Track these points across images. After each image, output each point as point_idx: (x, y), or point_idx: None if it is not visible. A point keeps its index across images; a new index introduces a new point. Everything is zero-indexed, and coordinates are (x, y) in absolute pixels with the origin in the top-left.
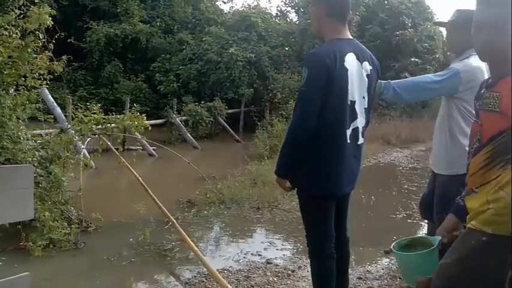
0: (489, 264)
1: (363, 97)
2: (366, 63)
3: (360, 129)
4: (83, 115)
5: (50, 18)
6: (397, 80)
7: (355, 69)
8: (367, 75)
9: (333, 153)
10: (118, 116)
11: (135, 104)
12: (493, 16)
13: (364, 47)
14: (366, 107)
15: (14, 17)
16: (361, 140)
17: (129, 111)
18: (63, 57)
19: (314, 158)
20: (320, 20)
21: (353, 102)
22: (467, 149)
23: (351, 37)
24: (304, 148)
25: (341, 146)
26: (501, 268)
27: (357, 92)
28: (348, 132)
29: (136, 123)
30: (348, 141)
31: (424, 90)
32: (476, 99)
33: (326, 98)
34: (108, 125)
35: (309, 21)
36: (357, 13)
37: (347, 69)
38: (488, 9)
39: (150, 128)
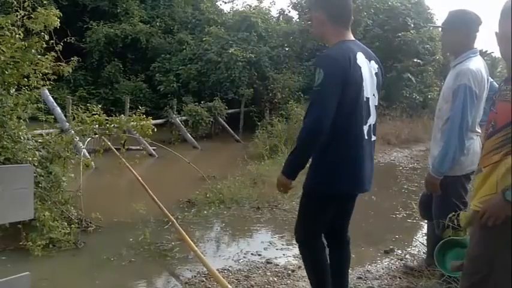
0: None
1: (373, 95)
2: (373, 62)
3: (372, 127)
4: (86, 116)
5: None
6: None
7: (366, 67)
8: (376, 73)
9: (353, 151)
10: (122, 117)
11: (139, 106)
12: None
13: (366, 47)
14: (376, 104)
15: (18, 17)
16: (373, 137)
17: (134, 112)
18: (73, 58)
19: (335, 157)
20: (323, 25)
21: (368, 99)
22: (465, 151)
23: (354, 38)
24: (316, 149)
25: (360, 143)
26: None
27: (369, 89)
28: (365, 128)
29: (142, 123)
30: (366, 138)
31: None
32: (495, 92)
33: (343, 98)
34: (111, 125)
35: (309, 22)
36: (365, 14)
37: (360, 67)
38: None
39: (155, 129)
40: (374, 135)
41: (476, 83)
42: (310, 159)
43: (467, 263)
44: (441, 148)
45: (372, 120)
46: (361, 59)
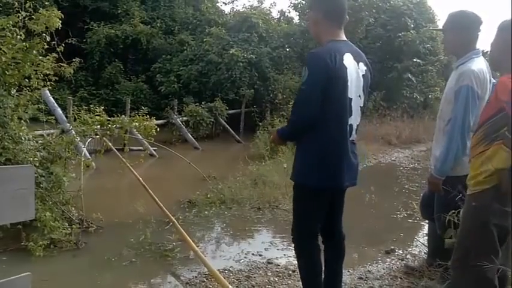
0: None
1: (359, 96)
2: (361, 64)
3: (354, 127)
4: (88, 117)
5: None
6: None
7: (353, 68)
8: (363, 75)
9: (335, 149)
10: (124, 117)
11: (141, 107)
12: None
13: (358, 49)
14: (361, 105)
15: (20, 18)
16: (353, 137)
17: (137, 113)
18: (74, 59)
19: (316, 153)
20: (317, 23)
21: (350, 100)
22: (467, 152)
23: (346, 39)
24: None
25: (342, 141)
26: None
27: (354, 90)
28: (348, 128)
29: (145, 123)
30: (349, 138)
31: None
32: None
33: (328, 95)
34: (113, 125)
35: (308, 22)
36: (367, 13)
37: (346, 68)
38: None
39: (158, 129)
40: (356, 134)
41: (479, 84)
42: (295, 151)
43: None
44: (443, 149)
45: (353, 120)
46: (348, 59)
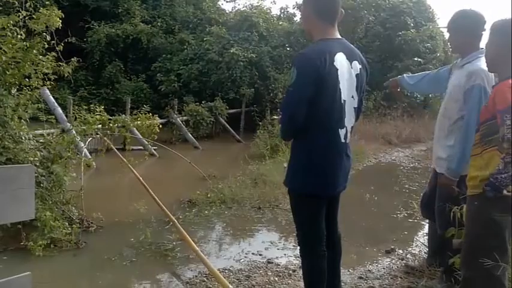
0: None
1: (352, 96)
2: (355, 63)
3: (349, 129)
4: (89, 116)
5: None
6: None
7: (345, 68)
8: (357, 75)
9: (328, 153)
10: (126, 117)
11: (143, 105)
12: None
13: (353, 46)
14: (355, 106)
15: (20, 17)
16: (348, 139)
17: (139, 111)
18: (73, 59)
19: (309, 158)
20: (309, 21)
21: (344, 102)
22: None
23: (340, 37)
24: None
25: (335, 145)
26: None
27: (346, 91)
28: (342, 132)
29: (149, 122)
30: (342, 141)
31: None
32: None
33: (319, 98)
34: (114, 125)
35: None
36: (366, 12)
37: (337, 69)
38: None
39: (160, 126)
40: (350, 135)
41: (489, 83)
42: (288, 157)
43: None
44: (458, 149)
45: (347, 122)
46: (340, 60)
